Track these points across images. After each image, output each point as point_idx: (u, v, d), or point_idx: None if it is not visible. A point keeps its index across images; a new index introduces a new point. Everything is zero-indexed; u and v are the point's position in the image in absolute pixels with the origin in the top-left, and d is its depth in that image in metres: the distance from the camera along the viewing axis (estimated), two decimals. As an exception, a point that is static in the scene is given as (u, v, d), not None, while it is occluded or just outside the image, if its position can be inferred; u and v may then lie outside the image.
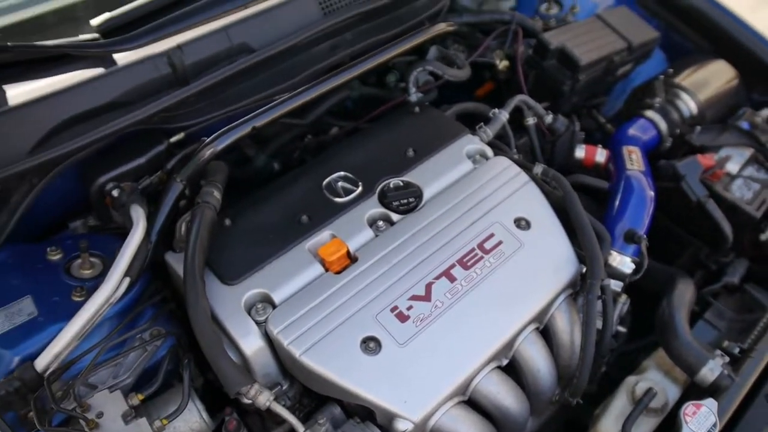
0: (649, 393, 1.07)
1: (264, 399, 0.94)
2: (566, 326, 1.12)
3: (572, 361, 1.13)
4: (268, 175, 1.39)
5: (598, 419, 1.11)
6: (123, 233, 1.14)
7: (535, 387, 1.10)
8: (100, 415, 0.93)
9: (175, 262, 1.09)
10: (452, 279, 1.06)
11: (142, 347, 1.05)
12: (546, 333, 1.13)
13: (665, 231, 1.41)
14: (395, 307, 1.02)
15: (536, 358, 1.09)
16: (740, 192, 1.34)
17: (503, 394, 1.05)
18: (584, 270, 1.14)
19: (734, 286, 1.31)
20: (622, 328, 1.26)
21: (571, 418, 1.29)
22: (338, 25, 1.35)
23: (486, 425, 1.04)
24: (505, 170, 1.22)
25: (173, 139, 1.21)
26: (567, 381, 1.14)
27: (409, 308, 1.02)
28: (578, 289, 1.16)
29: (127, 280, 1.02)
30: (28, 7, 1.27)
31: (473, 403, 1.04)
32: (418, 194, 1.17)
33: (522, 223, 1.15)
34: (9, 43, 1.14)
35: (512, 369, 1.10)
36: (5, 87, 1.15)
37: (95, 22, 1.21)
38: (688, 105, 1.47)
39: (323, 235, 1.11)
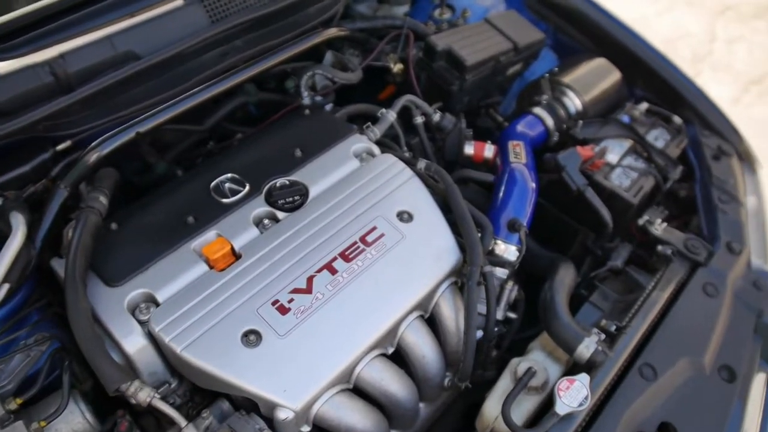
0: (529, 372, 1.12)
1: (145, 395, 0.95)
2: (451, 313, 1.17)
3: (459, 347, 1.17)
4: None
5: (484, 401, 1.15)
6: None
7: (422, 373, 1.14)
8: (-29, 423, 0.92)
9: (60, 267, 1.09)
10: (333, 271, 1.09)
11: (26, 352, 1.04)
12: (432, 321, 1.17)
13: (557, 221, 1.48)
14: (276, 301, 1.05)
15: (421, 344, 1.12)
16: (619, 180, 1.42)
17: (387, 380, 1.08)
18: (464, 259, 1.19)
19: (618, 269, 1.38)
20: (513, 315, 1.31)
21: (475, 403, 1.33)
22: (227, 32, 1.38)
23: (372, 411, 1.07)
24: (390, 166, 1.26)
25: (59, 147, 1.21)
26: (456, 367, 1.18)
27: (290, 301, 1.05)
28: (462, 278, 1.21)
29: (7, 286, 1.01)
30: None
31: (359, 391, 1.07)
32: (303, 192, 1.20)
33: (405, 216, 1.19)
34: None
35: (399, 357, 1.13)
36: None
37: (-30, 31, 1.21)
38: (574, 102, 1.55)
39: (209, 234, 1.13)
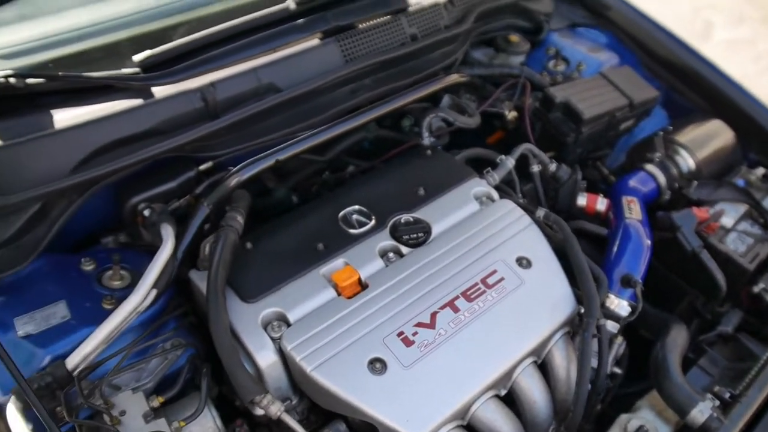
0: (641, 430, 1.12)
1: (275, 409, 1.00)
2: (563, 362, 1.18)
3: (568, 396, 1.18)
4: (287, 207, 1.48)
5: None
6: (150, 250, 1.23)
7: (531, 418, 1.15)
8: (122, 413, 0.99)
9: (199, 279, 1.17)
10: (456, 310, 1.13)
11: (163, 355, 1.11)
12: (544, 368, 1.19)
13: (664, 280, 1.47)
14: (401, 332, 1.09)
15: (533, 389, 1.14)
16: (734, 245, 1.41)
17: (500, 422, 1.10)
18: (581, 310, 1.20)
19: (728, 335, 1.37)
20: (618, 370, 1.31)
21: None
22: (358, 71, 1.46)
23: (482, 451, 1.09)
24: (510, 212, 1.30)
25: (202, 167, 1.30)
26: (563, 416, 1.19)
27: (415, 334, 1.09)
28: (575, 328, 1.22)
29: (154, 291, 1.10)
30: (77, 42, 1.38)
31: (471, 429, 1.09)
32: (427, 230, 1.25)
33: (523, 262, 1.22)
34: (60, 73, 1.25)
35: (510, 400, 1.15)
36: (53, 112, 1.25)
37: (137, 57, 1.32)
38: (687, 161, 1.56)
39: (337, 262, 1.19)
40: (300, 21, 1.46)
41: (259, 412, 1.05)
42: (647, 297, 1.42)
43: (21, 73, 1.22)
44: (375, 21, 1.53)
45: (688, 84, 1.77)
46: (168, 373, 1.11)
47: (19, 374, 0.84)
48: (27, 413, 0.99)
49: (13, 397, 0.99)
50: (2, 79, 1.21)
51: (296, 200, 1.50)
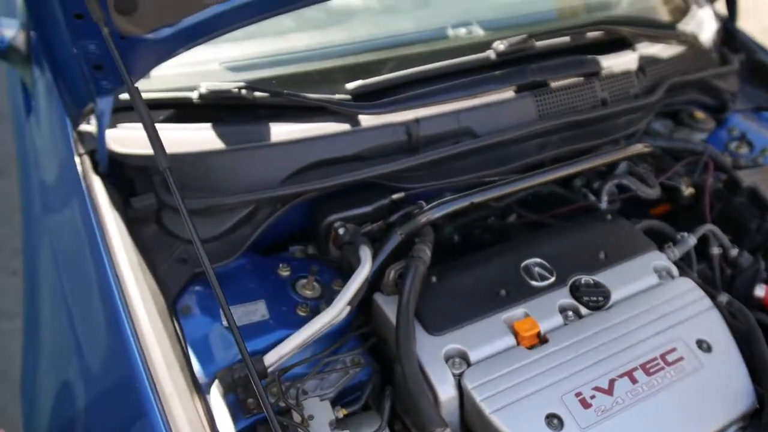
0: None
1: (453, 445, 1.04)
2: (735, 457, 1.16)
3: (735, 493, 1.16)
4: (448, 245, 1.53)
5: None
6: (336, 265, 1.32)
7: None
8: (311, 417, 1.07)
9: (383, 302, 1.24)
10: (634, 381, 1.14)
11: (345, 370, 1.18)
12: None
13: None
14: (579, 393, 1.11)
15: (700, 477, 1.13)
16: None
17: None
18: (757, 406, 1.18)
19: None
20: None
21: None
22: (549, 128, 1.51)
23: None
24: (691, 291, 1.29)
25: (395, 197, 1.38)
26: None
27: (592, 397, 1.10)
28: (747, 424, 1.19)
29: (348, 308, 1.17)
30: (295, 63, 1.50)
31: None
32: (606, 295, 1.26)
33: (704, 345, 1.21)
34: (285, 91, 1.37)
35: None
36: (271, 125, 1.37)
37: (350, 86, 1.42)
38: None
39: (518, 311, 1.22)
40: (499, 72, 1.52)
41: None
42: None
43: (252, 86, 1.35)
44: (570, 81, 1.57)
45: None
46: (346, 387, 1.18)
47: (249, 359, 0.92)
48: (227, 397, 1.09)
49: (217, 381, 1.09)
50: (236, 90, 1.34)
51: (458, 239, 1.55)
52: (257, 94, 1.36)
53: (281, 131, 1.36)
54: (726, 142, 1.77)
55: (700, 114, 1.75)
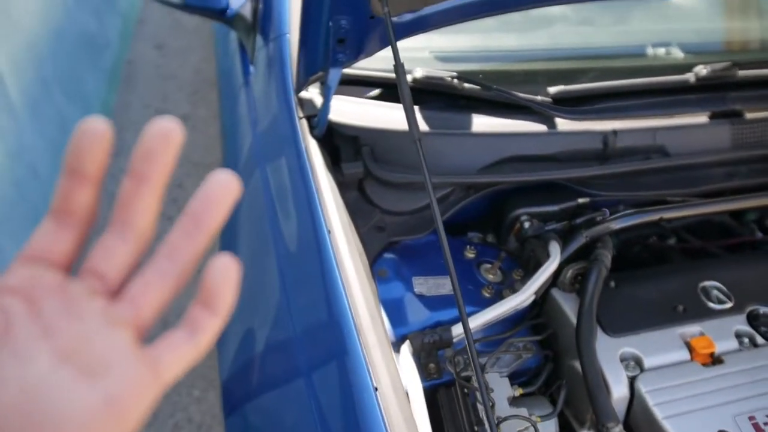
0: None
1: (623, 441, 1.11)
2: None
3: None
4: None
5: None
6: (512, 256, 1.40)
7: None
8: (491, 390, 1.16)
9: (560, 298, 1.31)
10: (810, 418, 1.15)
11: (517, 354, 1.27)
12: None
13: None
14: (753, 417, 1.14)
15: None
16: None
17: None
18: None
19: None
20: None
21: None
22: (741, 158, 1.52)
23: None
24: None
25: (581, 201, 1.44)
26: None
27: (765, 424, 1.13)
28: None
29: (534, 297, 1.26)
30: (500, 61, 1.60)
31: None
32: (786, 329, 1.28)
33: None
34: (494, 86, 1.46)
35: None
36: (474, 116, 1.47)
37: (552, 90, 1.50)
38: None
39: (694, 328, 1.26)
40: (696, 96, 1.55)
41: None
42: None
43: (465, 77, 1.46)
44: (766, 114, 1.57)
45: None
46: (519, 370, 1.27)
47: (467, 321, 1.02)
48: (416, 357, 1.20)
49: (408, 341, 1.20)
50: (448, 79, 1.46)
51: (614, 253, 1.59)
52: (467, 85, 1.46)
53: (483, 123, 1.46)
54: None
55: None
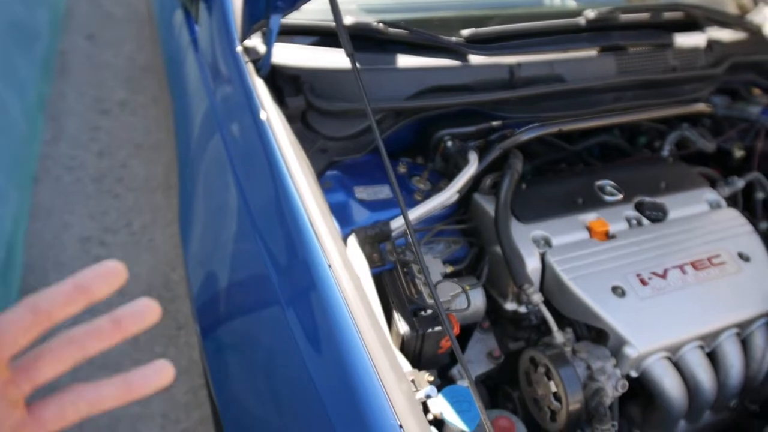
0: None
1: (538, 298, 1.32)
2: (761, 344, 1.42)
3: (758, 375, 1.41)
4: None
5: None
6: (440, 174, 1.61)
7: (724, 379, 1.39)
8: (426, 269, 1.36)
9: (482, 200, 1.53)
10: (684, 272, 1.41)
11: (447, 244, 1.48)
12: (743, 345, 1.43)
13: None
14: (639, 274, 1.38)
15: (732, 355, 1.39)
16: None
17: (701, 370, 1.35)
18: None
19: None
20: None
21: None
22: (626, 83, 1.79)
23: (683, 387, 1.35)
24: (735, 218, 1.56)
25: (494, 123, 1.68)
26: (747, 393, 1.42)
27: (650, 278, 1.38)
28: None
29: (457, 195, 1.47)
30: (421, 11, 1.82)
31: (676, 366, 1.36)
32: (665, 211, 1.54)
33: (743, 256, 1.47)
34: (414, 29, 1.68)
35: (711, 360, 1.40)
36: (401, 56, 1.67)
37: (465, 32, 1.72)
38: None
39: (591, 215, 1.51)
40: (587, 34, 1.82)
41: (511, 306, 1.39)
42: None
43: (388, 22, 1.66)
44: (645, 48, 1.85)
45: None
46: (449, 258, 1.48)
47: (408, 219, 1.21)
48: (363, 247, 1.39)
49: (353, 234, 1.39)
50: (375, 24, 1.66)
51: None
52: (392, 30, 1.67)
53: (407, 61, 1.67)
54: (774, 121, 2.03)
55: (757, 90, 2.01)
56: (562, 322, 1.40)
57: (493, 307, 1.46)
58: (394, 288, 1.33)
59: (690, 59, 1.90)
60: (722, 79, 1.97)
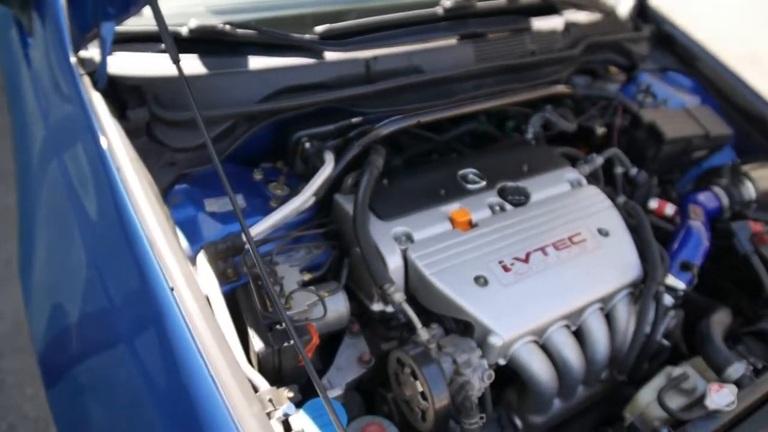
0: (684, 374, 1.36)
1: (399, 297, 1.28)
2: (624, 316, 1.44)
3: (623, 346, 1.43)
4: None
5: (638, 392, 1.40)
6: (302, 178, 1.55)
7: (591, 354, 1.41)
8: (281, 278, 1.30)
9: (342, 200, 1.47)
10: (545, 254, 1.41)
11: (309, 249, 1.42)
12: (607, 318, 1.45)
13: (716, 282, 1.72)
14: (502, 261, 1.37)
15: (597, 330, 1.40)
16: (782, 256, 1.65)
17: (568, 348, 1.36)
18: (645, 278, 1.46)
19: (766, 332, 1.59)
20: (667, 342, 1.55)
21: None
22: (485, 70, 1.79)
23: (552, 369, 1.35)
24: (595, 195, 1.58)
25: (354, 120, 1.63)
26: (615, 364, 1.44)
27: (512, 264, 1.37)
28: (638, 294, 1.47)
29: (313, 198, 1.42)
30: (273, 10, 1.76)
31: (543, 348, 1.36)
32: (527, 195, 1.54)
33: (603, 231, 1.49)
34: (263, 28, 1.61)
35: (578, 337, 1.41)
36: (251, 57, 1.60)
37: (319, 28, 1.67)
38: (749, 191, 1.80)
39: (454, 205, 1.48)
40: (445, 23, 1.80)
41: (377, 306, 1.35)
42: (698, 293, 1.67)
43: (235, 24, 1.58)
44: (503, 34, 1.86)
45: (760, 131, 2.04)
46: (310, 265, 1.42)
47: (247, 229, 1.14)
48: (214, 264, 1.31)
49: (202, 251, 1.31)
50: (221, 27, 1.58)
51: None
52: (240, 31, 1.59)
53: (258, 62, 1.59)
54: (634, 94, 2.09)
55: (613, 69, 2.06)
56: (431, 317, 1.37)
57: (362, 309, 1.42)
58: (248, 303, 1.26)
59: (548, 42, 1.93)
60: (580, 59, 2.01)
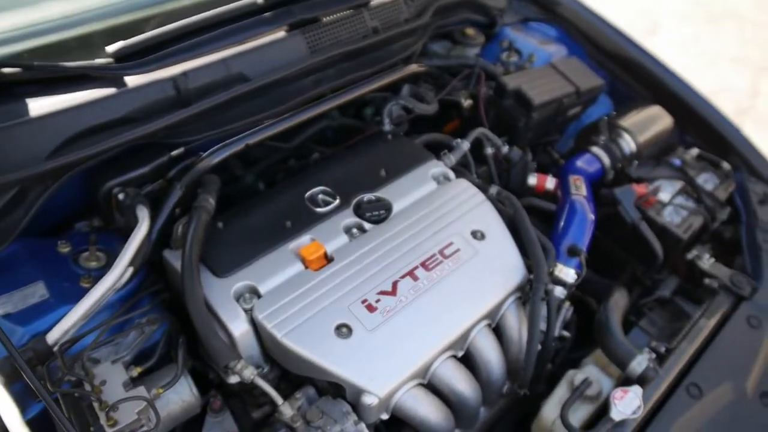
0: (585, 382, 1.23)
1: (249, 373, 1.08)
2: (515, 324, 1.29)
3: (520, 356, 1.29)
4: (254, 193, 1.55)
5: (542, 407, 1.26)
6: (124, 234, 1.29)
7: (486, 376, 1.25)
8: (103, 382, 1.06)
9: (173, 258, 1.24)
10: (415, 278, 1.22)
11: (140, 329, 1.18)
12: (497, 331, 1.29)
13: (608, 252, 1.59)
14: (365, 300, 1.18)
15: (488, 350, 1.24)
16: (670, 217, 1.54)
17: (457, 379, 1.20)
18: (531, 277, 1.31)
19: (666, 299, 1.49)
20: (567, 333, 1.42)
21: (527, 412, 1.43)
22: (323, 62, 1.54)
23: (443, 407, 1.19)
24: (465, 190, 1.40)
25: (174, 153, 1.36)
26: (515, 375, 1.30)
27: (377, 301, 1.18)
28: (526, 295, 1.32)
29: (131, 269, 1.16)
30: (51, 33, 1.43)
31: (432, 388, 1.19)
32: (388, 207, 1.34)
33: (478, 235, 1.32)
34: (35, 62, 1.30)
35: (468, 361, 1.25)
36: (28, 100, 1.30)
37: (110, 48, 1.37)
38: (629, 144, 1.68)
39: (304, 238, 1.27)
40: (267, 14, 1.53)
41: (233, 379, 1.13)
42: (593, 268, 1.54)
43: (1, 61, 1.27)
44: (338, 15, 1.61)
45: (631, 74, 1.91)
46: (145, 347, 1.18)
47: (13, 347, 0.90)
48: (10, 386, 1.05)
49: (-4, 369, 1.05)
50: (-21, 70, 1.26)
51: (263, 186, 1.57)
52: (6, 70, 1.28)
53: (40, 105, 1.29)
54: (498, 54, 1.90)
55: (470, 31, 1.86)
56: (301, 377, 1.17)
57: (220, 380, 1.20)
58: (71, 421, 1.02)
59: (391, 14, 1.69)
60: (432, 26, 1.79)
